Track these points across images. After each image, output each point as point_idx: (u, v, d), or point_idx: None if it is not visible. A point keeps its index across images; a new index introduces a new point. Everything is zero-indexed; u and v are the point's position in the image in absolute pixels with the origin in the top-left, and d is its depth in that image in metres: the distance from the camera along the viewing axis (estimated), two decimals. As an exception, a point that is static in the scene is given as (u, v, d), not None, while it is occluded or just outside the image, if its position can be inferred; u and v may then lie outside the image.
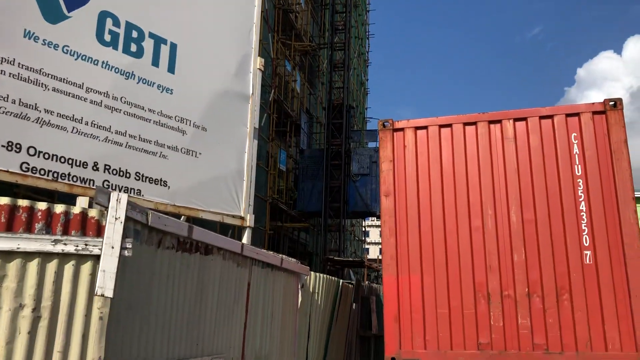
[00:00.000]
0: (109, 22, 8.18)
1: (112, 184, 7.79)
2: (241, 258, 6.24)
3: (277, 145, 21.23)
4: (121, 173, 7.96)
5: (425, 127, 8.06)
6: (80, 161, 7.51)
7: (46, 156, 7.17)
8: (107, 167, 7.80)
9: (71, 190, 7.35)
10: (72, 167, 7.41)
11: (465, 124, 7.92)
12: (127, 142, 8.11)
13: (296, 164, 24.31)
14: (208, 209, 9.09)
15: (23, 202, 3.95)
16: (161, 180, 8.46)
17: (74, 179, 7.41)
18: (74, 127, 7.53)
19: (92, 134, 7.72)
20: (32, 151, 7.03)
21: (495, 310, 7.15)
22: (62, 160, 7.33)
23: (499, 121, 7.83)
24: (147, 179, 8.27)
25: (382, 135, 8.18)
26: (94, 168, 7.65)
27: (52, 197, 8.35)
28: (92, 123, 7.73)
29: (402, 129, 8.13)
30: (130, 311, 4.33)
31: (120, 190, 7.73)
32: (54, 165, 7.23)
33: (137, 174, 8.14)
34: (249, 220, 9.75)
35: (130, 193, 7.92)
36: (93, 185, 7.51)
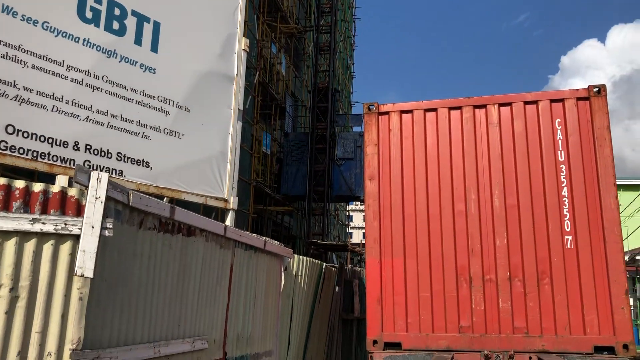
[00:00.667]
0: (90, -1, 8.00)
1: (93, 164, 7.67)
2: (224, 240, 6.19)
3: (262, 128, 21.09)
4: (102, 153, 7.84)
5: (411, 111, 8.04)
6: (60, 140, 7.38)
7: (25, 135, 7.04)
8: (88, 146, 7.68)
9: (51, 170, 7.22)
10: (52, 146, 7.29)
11: (451, 108, 7.91)
12: (109, 122, 7.99)
13: (281, 147, 24.20)
14: (191, 191, 9.01)
15: (0, 180, 3.86)
16: (143, 160, 8.35)
17: (54, 158, 7.28)
18: (54, 106, 7.39)
19: (72, 113, 7.58)
20: (10, 129, 6.89)
21: (476, 293, 7.21)
22: (42, 139, 7.19)
23: (484, 106, 7.83)
24: (129, 160, 8.16)
25: (367, 119, 8.15)
26: (75, 148, 7.53)
27: (32, 177, 8.21)
28: (72, 102, 7.59)
29: (387, 113, 8.10)
30: (111, 292, 4.28)
31: (101, 171, 7.61)
32: (33, 144, 7.10)
33: (119, 154, 8.03)
34: (233, 202, 9.70)
35: (112, 173, 7.82)
36: (74, 165, 7.39)
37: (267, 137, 22.02)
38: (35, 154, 7.10)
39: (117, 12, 8.34)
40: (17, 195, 3.91)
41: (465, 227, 7.42)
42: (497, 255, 7.26)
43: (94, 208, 3.97)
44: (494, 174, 7.52)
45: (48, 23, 7.46)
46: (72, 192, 4.09)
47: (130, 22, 8.49)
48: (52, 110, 7.37)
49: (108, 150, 7.90)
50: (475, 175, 7.57)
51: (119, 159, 8.02)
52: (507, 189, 7.43)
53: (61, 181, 6.42)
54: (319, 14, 26.02)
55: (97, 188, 4.01)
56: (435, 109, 7.96)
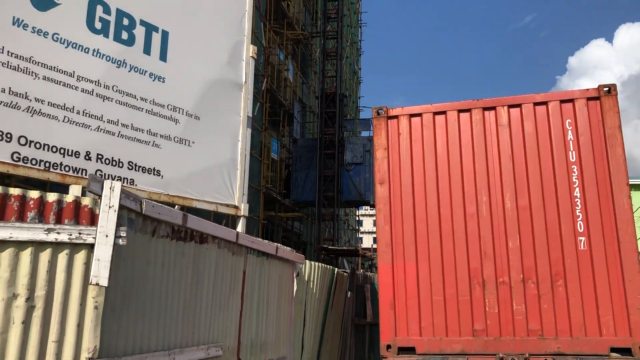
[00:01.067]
0: (99, 9, 8.07)
1: (104, 174, 7.72)
2: (236, 247, 6.21)
3: (270, 134, 21.14)
4: (114, 162, 7.89)
5: (420, 115, 8.03)
6: (72, 151, 7.44)
7: (37, 146, 7.10)
8: (100, 156, 7.73)
9: (64, 180, 7.28)
10: (64, 156, 7.35)
11: (460, 110, 7.89)
12: (120, 131, 8.04)
13: (289, 153, 24.24)
14: (202, 198, 9.05)
15: (15, 191, 3.89)
16: (154, 169, 8.40)
17: (66, 168, 7.34)
18: (65, 116, 7.46)
19: (83, 123, 7.65)
20: (23, 141, 6.96)
21: (490, 296, 7.16)
22: (54, 149, 7.25)
23: (493, 108, 7.81)
24: (140, 168, 8.21)
25: (376, 123, 8.15)
26: (86, 157, 7.59)
27: (44, 188, 8.27)
28: (83, 112, 7.66)
29: (396, 117, 8.10)
30: (125, 300, 4.29)
31: (113, 180, 7.65)
32: (45, 155, 7.16)
33: (130, 164, 8.08)
34: (243, 209, 9.72)
35: (123, 182, 7.87)
36: (85, 175, 7.45)
37: (276, 144, 22.06)
38: (47, 164, 7.16)
39: (125, 22, 8.41)
40: (32, 206, 3.94)
41: (477, 230, 7.39)
42: (509, 258, 7.21)
43: (107, 217, 3.99)
44: (505, 175, 7.48)
45: (58, 34, 7.53)
46: (86, 201, 4.12)
47: (139, 32, 8.55)
48: (63, 121, 7.43)
49: (119, 159, 7.96)
50: (486, 177, 7.54)
51: (130, 167, 8.07)
52: (518, 190, 7.39)
53: (75, 191, 6.47)
54: (325, 20, 26.07)
55: (111, 197, 4.03)
56: (444, 112, 7.94)
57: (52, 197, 4.02)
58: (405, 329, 7.31)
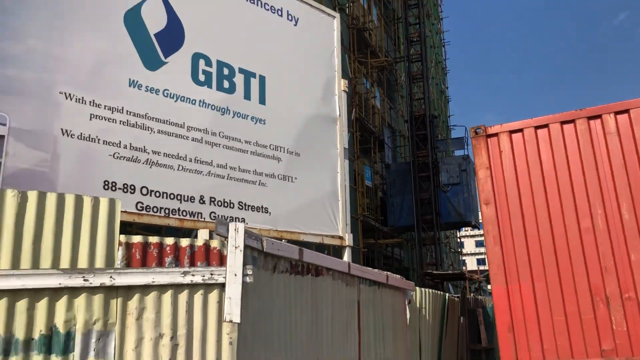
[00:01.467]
0: (201, 63, 8.68)
1: (218, 215, 8.18)
2: (349, 277, 6.35)
3: (363, 162, 21.34)
4: (225, 204, 8.36)
5: (520, 130, 7.85)
6: (187, 196, 7.97)
7: (157, 194, 7.67)
8: (212, 199, 8.22)
9: (182, 225, 7.80)
10: (181, 202, 7.88)
11: (563, 122, 7.65)
12: (228, 174, 8.53)
13: (383, 179, 24.28)
14: (308, 231, 9.33)
15: (153, 239, 4.27)
16: (262, 207, 8.80)
17: (184, 213, 7.86)
18: (179, 165, 8.02)
19: (196, 170, 8.19)
20: (144, 191, 7.55)
21: (616, 314, 6.79)
22: (172, 196, 7.81)
23: (599, 116, 7.50)
24: (250, 207, 8.63)
25: (475, 143, 8.06)
26: (201, 201, 8.09)
27: (160, 232, 8.86)
28: (195, 159, 8.20)
29: (495, 134, 7.97)
30: (255, 335, 4.53)
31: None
32: (164, 202, 7.72)
33: (240, 203, 8.52)
34: (348, 239, 9.89)
35: (235, 222, 8.28)
36: (201, 218, 7.94)
37: (369, 171, 22.21)
38: (167, 211, 7.71)
39: (225, 71, 8.97)
40: (168, 251, 4.30)
41: (595, 244, 7.05)
42: (633, 272, 6.82)
43: (234, 257, 4.27)
44: (619, 185, 7.13)
45: (168, 90, 8.18)
46: (214, 243, 4.43)
47: (239, 79, 9.10)
48: (177, 169, 8.00)
49: (230, 200, 8.42)
50: (599, 189, 7.22)
51: (241, 207, 8.50)
52: (635, 200, 7.01)
53: (203, 235, 6.92)
54: (408, 44, 26.18)
55: (236, 238, 4.31)
56: (546, 125, 7.73)
57: (184, 242, 4.37)
58: (527, 353, 7.06)
